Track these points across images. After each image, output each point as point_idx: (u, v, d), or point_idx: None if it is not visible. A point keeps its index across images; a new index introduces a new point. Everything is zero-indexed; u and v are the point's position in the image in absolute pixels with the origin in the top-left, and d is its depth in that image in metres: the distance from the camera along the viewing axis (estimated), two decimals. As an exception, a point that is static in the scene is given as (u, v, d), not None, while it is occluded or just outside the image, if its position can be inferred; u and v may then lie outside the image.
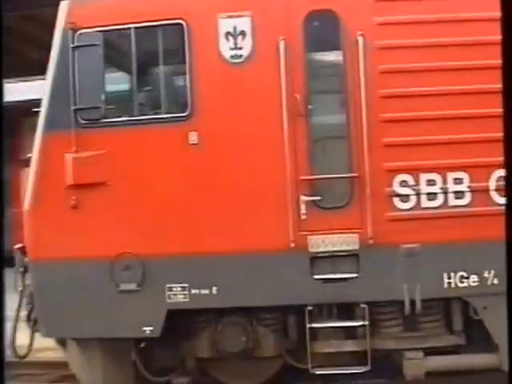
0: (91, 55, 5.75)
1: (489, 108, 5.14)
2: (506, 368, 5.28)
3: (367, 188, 5.34)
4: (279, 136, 5.43)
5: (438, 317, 5.57)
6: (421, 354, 5.50)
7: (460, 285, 5.31)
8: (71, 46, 5.78)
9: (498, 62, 4.88)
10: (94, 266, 5.72)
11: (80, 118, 5.77)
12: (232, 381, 6.12)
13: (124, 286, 5.65)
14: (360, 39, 5.34)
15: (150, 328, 5.63)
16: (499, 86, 4.42)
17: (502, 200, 5.23)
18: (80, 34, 5.79)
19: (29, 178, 5.91)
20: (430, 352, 5.55)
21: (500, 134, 4.87)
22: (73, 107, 5.74)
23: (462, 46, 5.33)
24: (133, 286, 5.64)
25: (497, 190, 5.29)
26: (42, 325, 5.88)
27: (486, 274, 5.28)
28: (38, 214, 5.88)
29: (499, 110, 4.36)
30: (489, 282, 5.27)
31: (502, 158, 5.13)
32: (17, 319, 6.01)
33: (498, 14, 4.21)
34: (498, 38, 4.81)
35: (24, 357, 6.20)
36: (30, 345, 6.19)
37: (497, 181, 5.29)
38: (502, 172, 5.25)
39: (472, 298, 5.34)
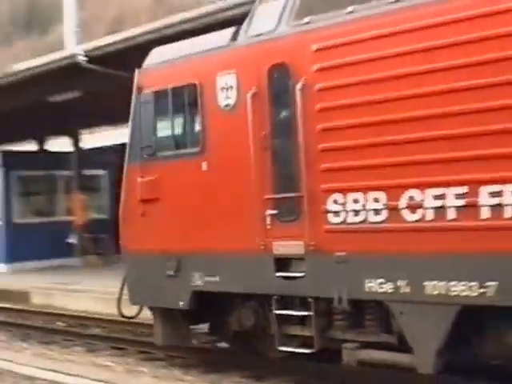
0: (148, 110, 8.14)
1: (402, 134, 6.09)
2: (420, 370, 6.14)
3: (309, 205, 6.69)
4: (252, 164, 7.10)
5: (375, 316, 6.60)
6: (356, 345, 6.63)
7: (379, 290, 6.34)
8: (138, 103, 8.25)
9: (420, 90, 6.34)
10: (153, 257, 8.14)
11: (143, 154, 8.21)
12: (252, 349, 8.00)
13: (168, 272, 7.96)
14: (299, 85, 6.70)
15: (182, 303, 7.84)
16: (414, 113, 5.88)
17: (413, 217, 6.12)
18: (142, 94, 8.21)
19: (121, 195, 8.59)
20: (369, 345, 6.64)
21: (409, 158, 6.26)
22: (139, 146, 8.22)
23: (384, 80, 6.27)
24: (172, 273, 7.91)
25: (408, 207, 6.15)
26: (128, 296, 8.54)
27: (399, 283, 6.21)
28: (124, 220, 8.52)
29: (410, 136, 5.94)
30: (401, 290, 6.19)
31: (412, 179, 6.35)
32: (121, 293, 8.77)
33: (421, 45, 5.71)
34: (419, 68, 6.35)
35: (131, 317, 8.97)
36: (139, 312, 8.90)
37: (408, 200, 6.15)
38: (412, 192, 6.12)
39: (391, 302, 6.31)
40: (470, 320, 5.98)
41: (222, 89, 7.42)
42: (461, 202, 5.82)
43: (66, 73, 14.42)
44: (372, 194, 6.38)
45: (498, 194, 5.62)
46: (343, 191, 6.56)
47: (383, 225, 6.32)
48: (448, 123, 5.85)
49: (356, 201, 6.48)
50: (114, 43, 13.42)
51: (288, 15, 7.09)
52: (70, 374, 8.15)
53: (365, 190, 6.42)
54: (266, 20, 7.26)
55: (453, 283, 5.87)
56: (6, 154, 21.17)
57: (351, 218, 6.51)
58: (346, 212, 6.54)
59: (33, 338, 11.50)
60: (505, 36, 5.57)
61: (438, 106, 5.90)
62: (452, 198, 5.87)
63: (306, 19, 6.87)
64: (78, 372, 8.28)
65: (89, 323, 12.30)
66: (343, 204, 6.55)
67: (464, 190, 5.80)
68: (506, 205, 5.56)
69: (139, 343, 10.11)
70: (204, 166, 7.63)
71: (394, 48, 6.21)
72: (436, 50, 5.97)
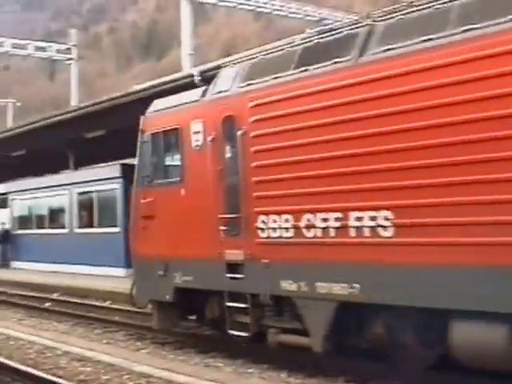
0: (147, 147, 10.59)
1: (301, 172, 8.12)
2: (314, 349, 8.10)
3: (246, 224, 8.85)
4: (211, 191, 9.35)
5: (289, 308, 8.66)
6: (277, 330, 8.72)
7: (289, 289, 8.38)
8: (140, 142, 10.70)
9: (316, 139, 8.56)
10: (151, 261, 10.55)
11: (144, 181, 10.64)
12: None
13: (159, 273, 10.31)
14: (240, 132, 8.89)
15: (168, 296, 10.17)
16: (309, 157, 8.07)
17: (309, 234, 8.12)
18: (144, 135, 10.65)
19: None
20: (286, 330, 8.69)
21: (305, 190, 8.44)
22: (141, 175, 10.67)
23: (295, 130, 8.32)
24: (162, 273, 10.26)
25: (306, 227, 8.16)
26: (135, 291, 11.02)
27: (301, 284, 8.24)
28: (132, 232, 11.00)
29: (306, 174, 8.21)
30: (302, 289, 8.23)
31: (308, 206, 8.49)
32: (132, 288, 11.23)
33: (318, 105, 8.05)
34: (317, 121, 8.61)
35: (141, 308, 11.41)
36: (147, 304, 11.31)
37: (306, 221, 8.16)
38: (308, 216, 8.12)
39: (296, 298, 8.34)
40: (349, 313, 7.91)
41: (194, 133, 9.75)
42: (338, 224, 7.80)
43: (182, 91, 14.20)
44: (284, 217, 8.49)
45: (360, 219, 7.57)
46: (267, 213, 8.70)
47: (291, 240, 8.41)
48: (326, 165, 7.87)
49: (274, 221, 8.59)
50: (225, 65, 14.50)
51: (238, 79, 9.31)
52: (183, 374, 8.56)
53: (279, 213, 8.55)
54: (224, 82, 9.54)
55: (333, 284, 7.85)
56: (125, 166, 21.97)
57: (272, 234, 8.63)
58: (269, 229, 8.67)
59: (147, 338, 11.81)
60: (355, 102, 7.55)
61: (324, 151, 7.93)
62: (332, 220, 7.86)
63: (247, 83, 9.07)
64: (190, 372, 8.72)
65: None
66: (267, 223, 8.69)
67: (339, 215, 7.78)
68: (365, 226, 7.51)
69: (245, 347, 10.00)
70: (182, 191, 9.98)
71: (300, 106, 8.30)
72: (326, 109, 7.98)
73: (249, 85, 9.08)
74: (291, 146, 8.35)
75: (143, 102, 13.63)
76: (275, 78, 8.69)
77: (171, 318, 10.70)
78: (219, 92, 9.54)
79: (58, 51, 33.66)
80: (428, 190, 6.94)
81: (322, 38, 8.56)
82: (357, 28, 8.11)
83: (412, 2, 7.68)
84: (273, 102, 8.60)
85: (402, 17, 7.65)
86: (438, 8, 7.23)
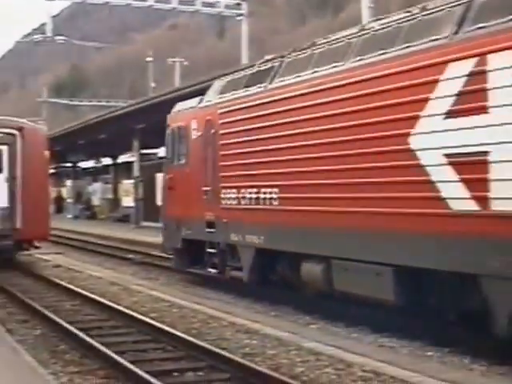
0: (169, 138, 14.83)
1: (246, 160, 12.00)
2: (244, 281, 11.95)
3: (214, 194, 12.84)
4: (201, 169, 13.44)
5: (236, 253, 12.55)
6: (231, 268, 12.65)
7: (235, 239, 12.27)
8: (167, 134, 14.97)
9: (258, 137, 13.06)
10: (171, 220, 14.89)
11: (168, 162, 14.91)
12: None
13: (174, 228, 14.57)
14: (213, 130, 12.89)
15: (179, 245, 14.41)
16: (254, 149, 12.64)
17: (244, 202, 11.95)
18: (168, 128, 14.91)
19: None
20: (236, 268, 12.60)
21: (244, 173, 12.91)
22: (167, 158, 14.97)
23: (245, 131, 12.15)
24: (175, 228, 14.50)
25: (242, 198, 12.00)
26: (162, 242, 15.42)
27: (240, 236, 12.12)
28: (163, 199, 15.41)
29: (247, 161, 12.82)
30: (241, 239, 12.13)
31: (243, 184, 12.74)
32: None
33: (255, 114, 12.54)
34: (259, 125, 13.29)
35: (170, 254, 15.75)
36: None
37: (242, 194, 11.99)
38: (243, 190, 11.94)
39: (238, 246, 12.32)
40: (263, 255, 11.68)
41: (193, 129, 13.90)
42: (255, 196, 11.66)
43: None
44: (233, 190, 12.48)
45: (265, 193, 11.33)
46: (226, 188, 12.73)
47: (235, 206, 12.39)
48: (251, 157, 11.74)
49: (229, 193, 12.58)
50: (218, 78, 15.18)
51: (216, 93, 13.33)
52: (355, 353, 8.13)
53: (231, 188, 12.53)
54: (209, 94, 13.56)
55: (253, 236, 11.71)
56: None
57: (228, 202, 12.66)
58: (226, 199, 12.67)
59: (317, 312, 10.91)
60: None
61: (249, 147, 11.75)
62: (253, 194, 11.75)
63: (218, 96, 13.04)
64: (362, 351, 8.25)
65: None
66: (226, 195, 12.69)
67: (255, 190, 11.63)
68: (267, 198, 11.25)
69: (423, 328, 9.18)
70: (187, 170, 14.20)
71: (242, 115, 12.15)
72: (252, 119, 11.77)
73: (220, 97, 13.09)
74: (238, 142, 12.30)
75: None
76: (232, 94, 12.68)
77: (183, 261, 14.98)
78: (206, 101, 13.61)
79: (228, 7, 31.44)
80: (298, 175, 10.59)
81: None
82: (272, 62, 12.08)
83: (314, 43, 11.18)
84: (231, 111, 12.60)
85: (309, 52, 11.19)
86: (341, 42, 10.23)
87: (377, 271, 8.94)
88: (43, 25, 48.48)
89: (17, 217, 16.61)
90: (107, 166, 46.83)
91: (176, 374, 7.62)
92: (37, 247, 17.68)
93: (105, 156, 46.29)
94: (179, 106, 15.08)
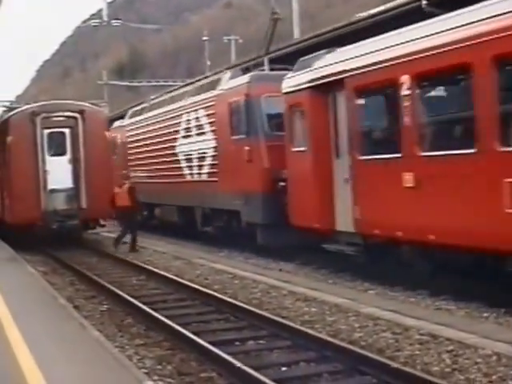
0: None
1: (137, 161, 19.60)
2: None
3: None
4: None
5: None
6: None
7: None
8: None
9: (138, 150, 20.95)
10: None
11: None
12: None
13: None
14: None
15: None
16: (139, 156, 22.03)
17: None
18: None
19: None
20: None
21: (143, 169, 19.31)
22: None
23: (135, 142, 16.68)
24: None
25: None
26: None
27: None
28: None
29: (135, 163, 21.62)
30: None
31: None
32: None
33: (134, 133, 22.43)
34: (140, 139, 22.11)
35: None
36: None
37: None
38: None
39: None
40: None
41: (119, 139, 22.44)
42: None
43: (409, 18, 12.16)
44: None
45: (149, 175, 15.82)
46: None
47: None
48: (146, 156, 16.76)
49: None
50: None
51: (128, 117, 23.37)
52: (412, 317, 8.12)
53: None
54: (126, 117, 21.63)
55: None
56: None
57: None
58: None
59: (376, 278, 10.83)
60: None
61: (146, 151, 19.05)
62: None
63: (128, 120, 22.98)
64: (420, 315, 8.27)
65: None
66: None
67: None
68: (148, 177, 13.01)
69: (478, 291, 9.17)
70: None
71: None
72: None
73: (128, 121, 23.08)
74: (134, 147, 21.27)
75: (368, 31, 12.64)
76: (132, 119, 22.04)
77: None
78: (122, 122, 23.90)
79: None
80: (150, 168, 19.39)
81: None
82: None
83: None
84: (132, 129, 21.93)
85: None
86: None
87: (173, 208, 18.90)
88: (100, 10, 49.16)
89: (82, 197, 17.16)
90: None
91: (238, 343, 7.79)
92: (102, 225, 18.23)
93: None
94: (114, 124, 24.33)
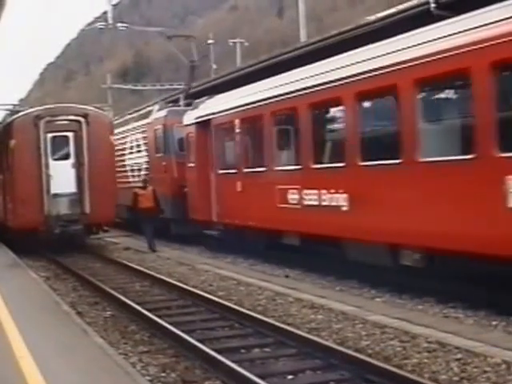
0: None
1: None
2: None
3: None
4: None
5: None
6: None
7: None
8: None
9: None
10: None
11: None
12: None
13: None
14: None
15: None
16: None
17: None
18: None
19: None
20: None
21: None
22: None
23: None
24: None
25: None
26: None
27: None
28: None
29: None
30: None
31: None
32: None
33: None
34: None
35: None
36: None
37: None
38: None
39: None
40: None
41: None
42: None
43: (416, 21, 12.17)
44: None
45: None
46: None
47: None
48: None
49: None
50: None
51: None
52: (420, 325, 8.06)
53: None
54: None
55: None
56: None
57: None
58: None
59: (383, 286, 10.80)
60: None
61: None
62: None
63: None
64: (427, 322, 8.21)
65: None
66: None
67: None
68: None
69: (487, 297, 9.11)
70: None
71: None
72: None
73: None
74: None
75: (374, 34, 12.77)
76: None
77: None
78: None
79: None
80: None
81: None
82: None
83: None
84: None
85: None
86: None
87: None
88: (105, 13, 49.15)
89: (85, 202, 17.06)
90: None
91: (243, 350, 7.70)
92: (105, 230, 18.14)
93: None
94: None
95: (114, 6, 39.03)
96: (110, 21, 40.90)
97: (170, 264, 14.95)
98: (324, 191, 11.74)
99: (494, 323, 8.44)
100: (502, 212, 8.06)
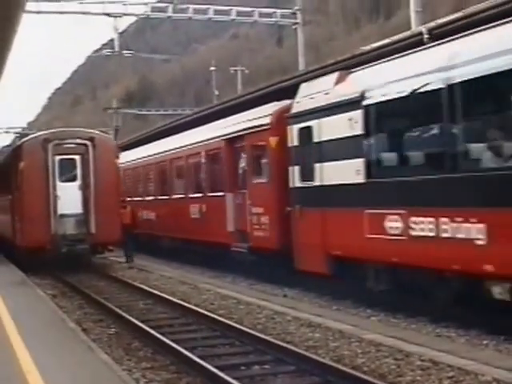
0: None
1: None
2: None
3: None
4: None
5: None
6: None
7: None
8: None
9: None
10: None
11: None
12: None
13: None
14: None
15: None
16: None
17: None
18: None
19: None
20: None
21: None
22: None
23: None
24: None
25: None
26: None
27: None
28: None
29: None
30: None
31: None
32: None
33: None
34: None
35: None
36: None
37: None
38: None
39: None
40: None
41: None
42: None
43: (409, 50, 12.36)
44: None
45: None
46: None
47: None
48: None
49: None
50: (455, 20, 13.64)
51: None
52: (414, 343, 8.20)
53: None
54: None
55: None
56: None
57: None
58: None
59: (378, 305, 11.06)
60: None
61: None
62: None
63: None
64: (421, 341, 8.37)
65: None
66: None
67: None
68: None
69: (479, 317, 9.33)
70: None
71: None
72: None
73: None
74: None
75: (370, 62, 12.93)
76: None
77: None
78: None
79: (283, 16, 33.12)
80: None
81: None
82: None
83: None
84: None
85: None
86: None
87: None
88: (112, 40, 49.83)
89: (91, 222, 17.40)
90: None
91: (243, 367, 7.90)
92: (110, 250, 18.44)
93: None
94: None
95: (120, 33, 39.97)
96: (117, 48, 41.63)
97: (173, 283, 15.19)
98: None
99: (485, 342, 8.64)
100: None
